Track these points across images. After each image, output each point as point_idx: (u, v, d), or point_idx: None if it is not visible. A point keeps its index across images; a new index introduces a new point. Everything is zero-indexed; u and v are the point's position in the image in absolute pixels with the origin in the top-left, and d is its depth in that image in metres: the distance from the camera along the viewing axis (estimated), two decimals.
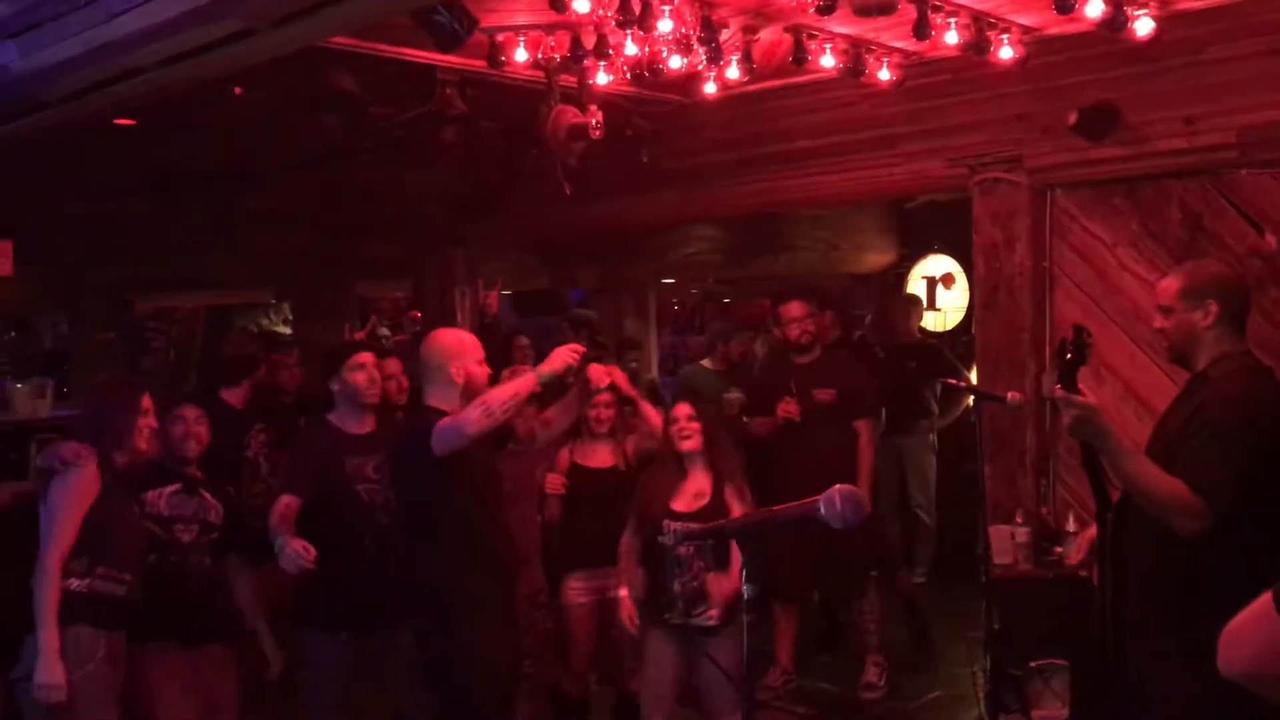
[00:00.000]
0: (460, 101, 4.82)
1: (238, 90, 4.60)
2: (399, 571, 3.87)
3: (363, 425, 4.15)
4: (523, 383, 3.75)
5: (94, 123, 3.92)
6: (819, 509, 1.86)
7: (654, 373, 9.32)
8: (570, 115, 4.67)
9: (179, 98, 3.65)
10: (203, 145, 5.89)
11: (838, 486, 1.88)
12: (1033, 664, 4.38)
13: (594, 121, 4.70)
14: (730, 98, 5.00)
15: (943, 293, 8.26)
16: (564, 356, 3.75)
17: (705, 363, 7.17)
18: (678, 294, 11.62)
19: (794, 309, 5.51)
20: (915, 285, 8.19)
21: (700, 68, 4.41)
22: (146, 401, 3.90)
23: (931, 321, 8.12)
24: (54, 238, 7.18)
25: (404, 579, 3.84)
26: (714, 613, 4.06)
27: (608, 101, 4.94)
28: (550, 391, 4.14)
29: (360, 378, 4.12)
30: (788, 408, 5.36)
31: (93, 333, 8.48)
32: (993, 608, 4.22)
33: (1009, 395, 4.42)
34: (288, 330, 10.03)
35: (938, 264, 8.26)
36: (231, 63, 2.87)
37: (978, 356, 5.16)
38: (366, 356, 4.19)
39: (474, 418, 3.56)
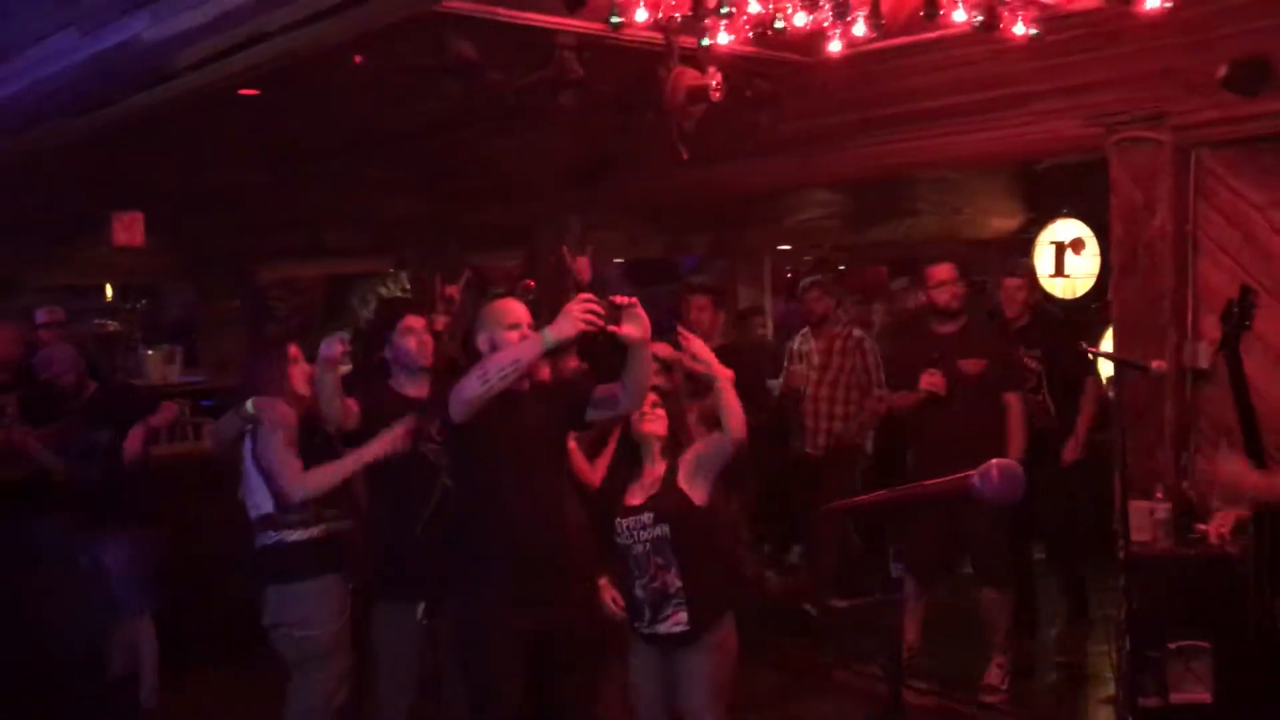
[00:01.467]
0: (577, 65, 4.75)
1: (358, 59, 4.61)
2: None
3: (420, 389, 4.14)
4: (526, 347, 3.49)
5: (220, 93, 3.96)
6: (974, 483, 1.76)
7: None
8: (690, 77, 4.57)
9: (300, 67, 3.68)
10: (324, 115, 5.96)
11: (994, 460, 1.78)
12: (1172, 645, 4.19)
13: (714, 83, 4.59)
14: (854, 56, 4.82)
15: (1071, 258, 7.93)
16: (575, 321, 3.39)
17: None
18: (792, 261, 11.46)
19: (942, 271, 5.24)
20: (1042, 250, 7.88)
21: (825, 25, 4.26)
22: (294, 350, 4.15)
23: (1059, 288, 7.82)
24: (181, 209, 7.38)
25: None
26: (682, 615, 3.73)
27: (727, 63, 4.82)
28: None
29: (410, 342, 4.13)
30: (932, 380, 5.10)
31: (218, 301, 8.71)
32: (1130, 586, 4.04)
33: (1153, 364, 4.21)
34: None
35: (1066, 228, 7.92)
36: (353, 27, 2.86)
37: (1114, 324, 4.93)
38: (416, 321, 4.18)
39: (470, 383, 3.43)
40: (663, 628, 3.76)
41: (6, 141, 4.24)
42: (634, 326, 3.49)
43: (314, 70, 4.33)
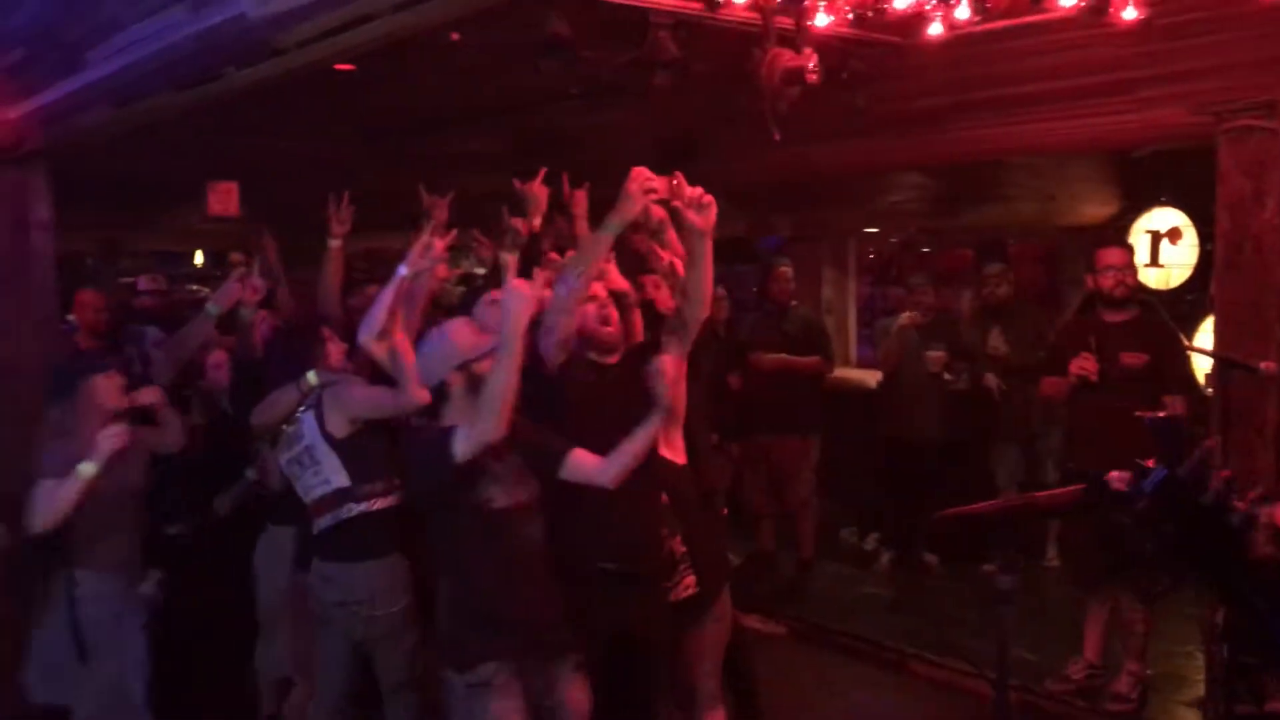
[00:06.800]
0: (673, 46, 4.71)
1: (455, 36, 4.63)
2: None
3: None
4: (593, 243, 3.46)
5: (317, 69, 4.00)
6: (1090, 496, 1.72)
7: (851, 325, 9.13)
8: (786, 59, 4.51)
9: (398, 44, 3.70)
10: (417, 91, 6.00)
11: (1113, 473, 1.73)
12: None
13: (810, 65, 4.53)
14: (954, 39, 4.72)
15: (1167, 248, 7.72)
16: (636, 197, 3.33)
17: (904, 316, 7.01)
18: (876, 243, 11.32)
19: (1111, 255, 5.03)
20: (1137, 239, 7.68)
21: (927, 7, 4.18)
22: (326, 332, 4.20)
23: (1154, 279, 7.62)
24: (274, 179, 7.50)
25: None
26: (691, 578, 3.71)
27: (823, 44, 4.75)
28: None
29: (496, 315, 3.90)
30: (1083, 364, 4.91)
31: (306, 270, 8.84)
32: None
33: (1261, 365, 4.06)
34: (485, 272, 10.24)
35: (1164, 217, 7.71)
36: (460, 8, 2.86)
37: (1217, 319, 4.77)
38: (500, 294, 3.97)
39: (555, 296, 3.39)
40: (672, 595, 3.72)
41: (113, 114, 4.32)
42: (699, 215, 3.41)
43: (410, 47, 4.35)
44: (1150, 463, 2.33)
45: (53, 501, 3.82)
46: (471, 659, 3.36)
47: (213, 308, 4.79)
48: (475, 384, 3.34)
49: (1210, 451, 3.90)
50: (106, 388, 4.05)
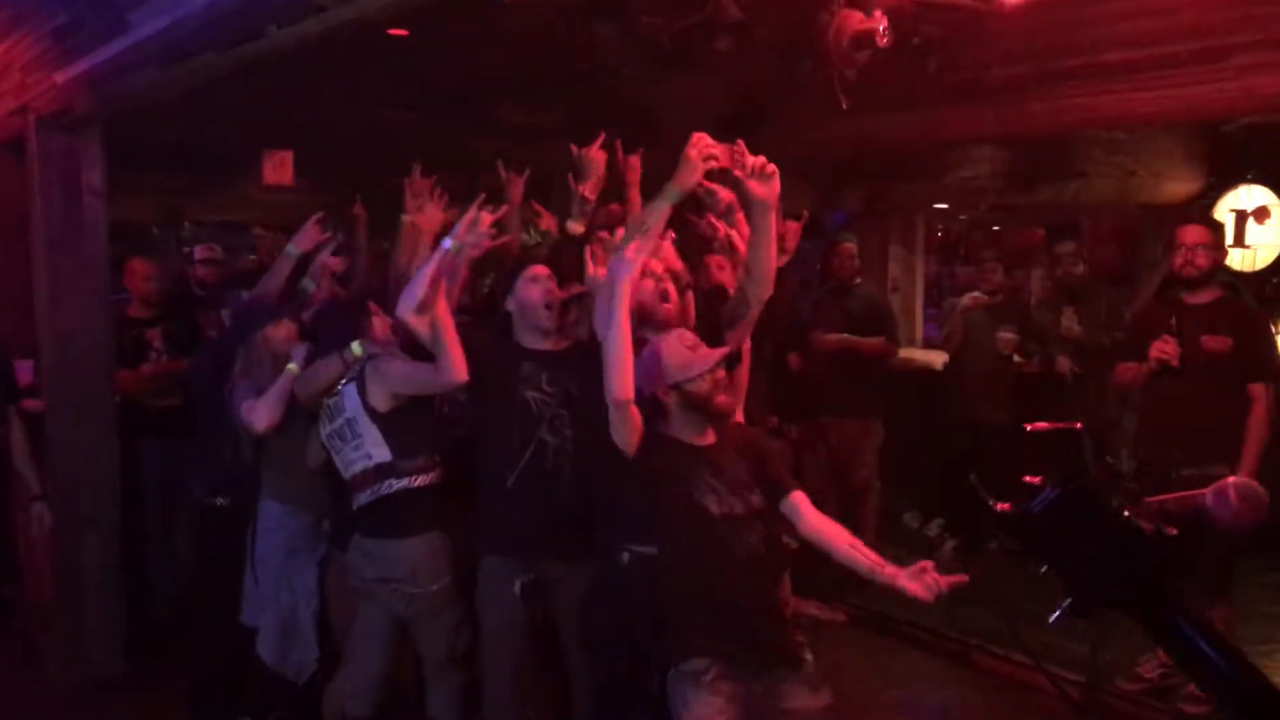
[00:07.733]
0: (735, 8, 4.53)
1: None
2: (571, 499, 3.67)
3: (544, 345, 3.84)
4: (652, 210, 3.26)
5: (369, 31, 3.88)
6: (1205, 501, 1.53)
7: (918, 305, 8.89)
8: (855, 22, 4.31)
9: (451, 7, 3.57)
10: (473, 58, 5.87)
11: (1232, 480, 1.54)
12: None
13: (880, 29, 4.32)
14: (1033, 4, 4.49)
15: (1254, 228, 7.39)
16: (695, 166, 3.16)
17: (966, 297, 6.81)
18: (945, 220, 11.04)
19: (1189, 233, 4.75)
20: (1222, 218, 7.34)
21: None
22: (371, 305, 4.09)
23: (1239, 260, 7.30)
24: (332, 148, 7.44)
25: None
26: None
27: (894, 7, 4.53)
28: None
29: (534, 292, 3.79)
30: (1164, 348, 4.68)
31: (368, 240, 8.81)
32: None
33: None
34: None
35: (1250, 195, 7.38)
36: None
37: None
38: (541, 269, 3.83)
39: (611, 265, 3.19)
40: None
41: (161, 77, 4.24)
42: (762, 185, 3.23)
43: (464, 11, 4.22)
44: (1038, 480, 2.06)
45: (264, 401, 4.12)
46: (684, 650, 3.23)
47: (292, 249, 4.86)
48: (689, 402, 3.25)
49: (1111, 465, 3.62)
50: (277, 335, 4.32)
